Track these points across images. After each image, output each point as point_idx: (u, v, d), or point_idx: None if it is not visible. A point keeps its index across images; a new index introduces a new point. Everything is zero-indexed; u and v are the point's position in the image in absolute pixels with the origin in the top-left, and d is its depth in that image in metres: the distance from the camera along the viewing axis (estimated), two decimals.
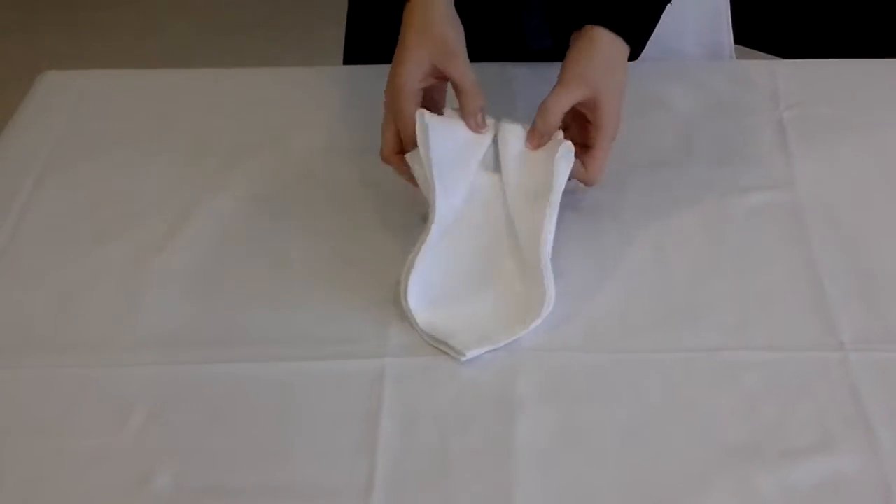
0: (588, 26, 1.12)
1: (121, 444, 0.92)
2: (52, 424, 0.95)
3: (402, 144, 1.08)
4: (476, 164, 1.08)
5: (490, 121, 1.10)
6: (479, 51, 1.31)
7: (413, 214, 1.13)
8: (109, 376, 0.98)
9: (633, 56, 1.13)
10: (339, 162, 1.22)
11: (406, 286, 1.01)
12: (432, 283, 1.03)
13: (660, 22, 1.17)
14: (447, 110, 1.10)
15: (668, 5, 1.16)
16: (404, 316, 1.02)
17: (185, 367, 0.99)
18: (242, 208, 1.17)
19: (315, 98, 1.33)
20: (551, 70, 1.33)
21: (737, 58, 1.47)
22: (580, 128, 1.11)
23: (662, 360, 0.98)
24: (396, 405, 0.95)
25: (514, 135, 1.09)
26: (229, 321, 1.03)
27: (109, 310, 1.05)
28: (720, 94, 1.31)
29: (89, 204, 1.19)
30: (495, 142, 1.09)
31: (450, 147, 1.06)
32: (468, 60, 1.10)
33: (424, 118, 1.05)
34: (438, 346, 1.00)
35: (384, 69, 1.10)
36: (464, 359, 0.98)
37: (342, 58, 1.47)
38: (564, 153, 1.06)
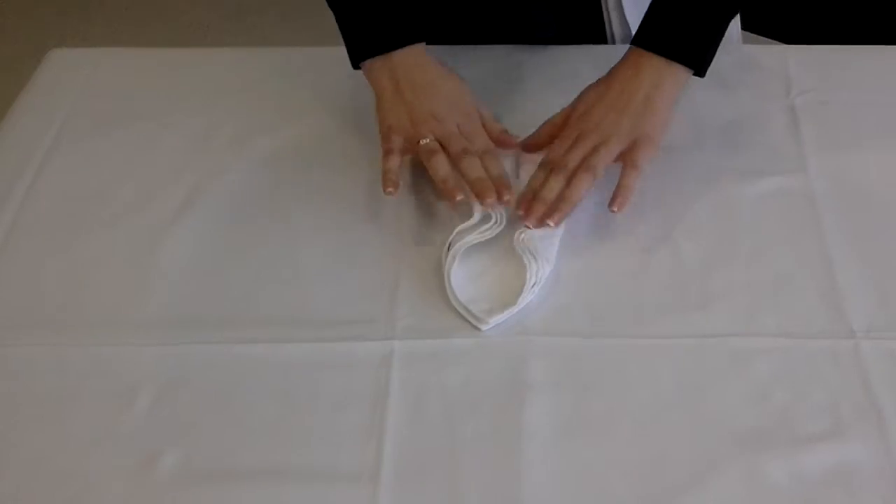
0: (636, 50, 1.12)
1: (128, 424, 0.92)
2: (60, 403, 0.94)
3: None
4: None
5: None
6: (484, 37, 1.31)
7: (425, 197, 1.14)
8: (117, 356, 0.98)
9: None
10: (351, 143, 1.21)
11: (453, 253, 1.03)
12: (466, 261, 1.04)
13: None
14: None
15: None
16: (413, 299, 1.02)
17: (193, 348, 0.98)
18: (251, 189, 1.16)
19: (327, 79, 1.32)
20: (559, 53, 1.33)
21: (744, 44, 1.46)
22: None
23: (673, 345, 0.98)
24: (405, 388, 0.94)
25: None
26: (237, 302, 1.03)
27: (117, 289, 1.05)
28: (731, 79, 1.30)
29: (97, 183, 1.18)
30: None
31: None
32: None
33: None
34: (461, 309, 1.00)
35: None
36: (486, 327, 0.99)
37: None
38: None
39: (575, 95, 1.15)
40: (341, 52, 1.19)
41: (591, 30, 1.37)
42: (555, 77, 1.30)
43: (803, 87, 1.29)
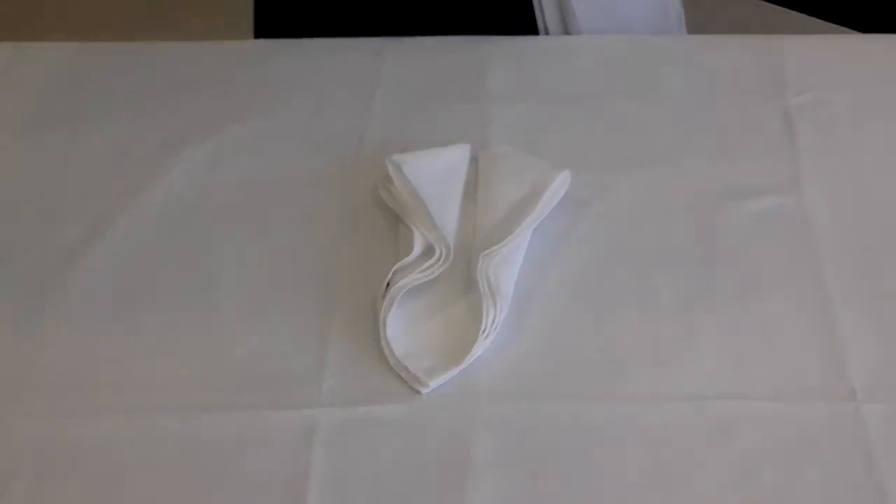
0: None
1: None
2: None
3: None
4: (459, 192, 1.02)
5: (465, 145, 1.05)
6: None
7: (367, 233, 1.00)
8: None
9: None
10: (288, 167, 1.08)
11: (390, 297, 0.90)
12: (406, 305, 0.91)
13: None
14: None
15: None
16: (343, 352, 0.89)
17: (82, 421, 0.85)
18: (170, 214, 1.03)
19: (267, 75, 1.19)
20: (526, 44, 1.20)
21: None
22: None
23: (644, 411, 0.84)
24: (328, 469, 0.81)
25: (499, 157, 1.05)
26: (139, 359, 0.89)
27: None
28: (720, 76, 1.16)
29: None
30: (474, 162, 1.05)
31: (430, 179, 1.00)
32: None
33: (393, 159, 1.01)
34: (397, 368, 0.87)
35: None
36: (426, 391, 0.85)
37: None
38: (558, 186, 1.00)
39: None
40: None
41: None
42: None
43: (801, 85, 1.15)
